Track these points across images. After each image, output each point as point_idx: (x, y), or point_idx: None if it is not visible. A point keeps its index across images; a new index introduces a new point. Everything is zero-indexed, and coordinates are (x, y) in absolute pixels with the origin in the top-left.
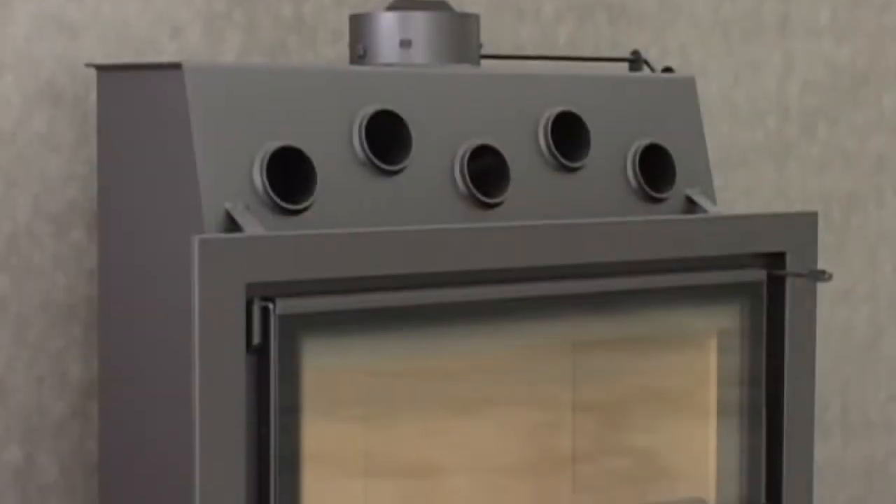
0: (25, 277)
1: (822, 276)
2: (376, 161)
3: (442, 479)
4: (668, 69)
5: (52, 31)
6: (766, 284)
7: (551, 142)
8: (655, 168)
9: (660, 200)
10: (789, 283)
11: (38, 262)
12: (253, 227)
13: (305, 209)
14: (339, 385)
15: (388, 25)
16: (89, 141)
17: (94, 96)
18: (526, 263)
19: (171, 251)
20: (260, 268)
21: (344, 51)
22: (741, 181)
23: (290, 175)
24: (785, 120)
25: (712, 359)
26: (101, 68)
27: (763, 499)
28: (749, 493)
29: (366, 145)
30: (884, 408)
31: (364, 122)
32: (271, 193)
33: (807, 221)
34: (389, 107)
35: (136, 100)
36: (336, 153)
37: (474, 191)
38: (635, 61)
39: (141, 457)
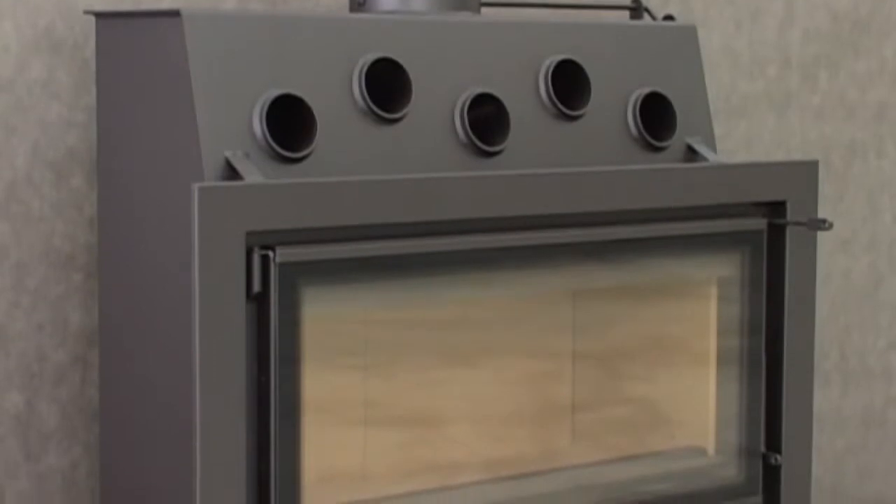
0: (25, 225)
1: (823, 224)
2: (376, 109)
3: (441, 428)
4: (669, 17)
5: None
6: (766, 233)
7: (552, 90)
8: (656, 116)
9: (660, 149)
10: (789, 232)
11: (38, 209)
12: (253, 175)
13: (305, 157)
14: (338, 333)
15: None
16: (88, 88)
17: (92, 43)
18: (526, 212)
19: (170, 199)
20: (260, 216)
21: None
22: (742, 130)
23: (289, 123)
24: (786, 69)
25: (712, 307)
26: (99, 15)
27: (762, 447)
28: (748, 442)
29: (366, 93)
30: (883, 356)
31: (364, 70)
32: (271, 141)
33: (807, 170)
34: (389, 55)
35: (134, 47)
36: (336, 101)
37: (474, 139)
38: (636, 9)
39: (142, 405)
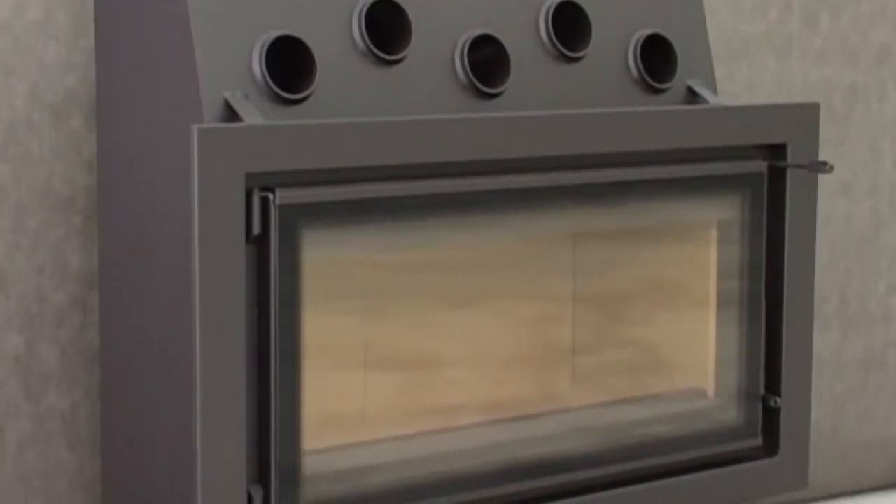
0: (24, 167)
1: (823, 167)
2: (376, 51)
3: (441, 371)
4: None
5: None
6: (766, 176)
7: (552, 31)
8: (657, 58)
9: (661, 91)
10: (790, 175)
11: (37, 151)
12: (252, 116)
13: (305, 99)
14: (338, 276)
15: None
16: (87, 30)
17: None
18: (526, 154)
19: (170, 141)
20: (259, 157)
21: None
22: (743, 73)
23: (289, 65)
24: (787, 11)
25: (712, 250)
26: None
27: (762, 389)
28: (748, 385)
29: (365, 35)
30: (883, 300)
31: (364, 12)
32: (270, 83)
33: (808, 113)
34: None
35: None
36: (335, 43)
37: (474, 81)
38: None
39: (142, 347)
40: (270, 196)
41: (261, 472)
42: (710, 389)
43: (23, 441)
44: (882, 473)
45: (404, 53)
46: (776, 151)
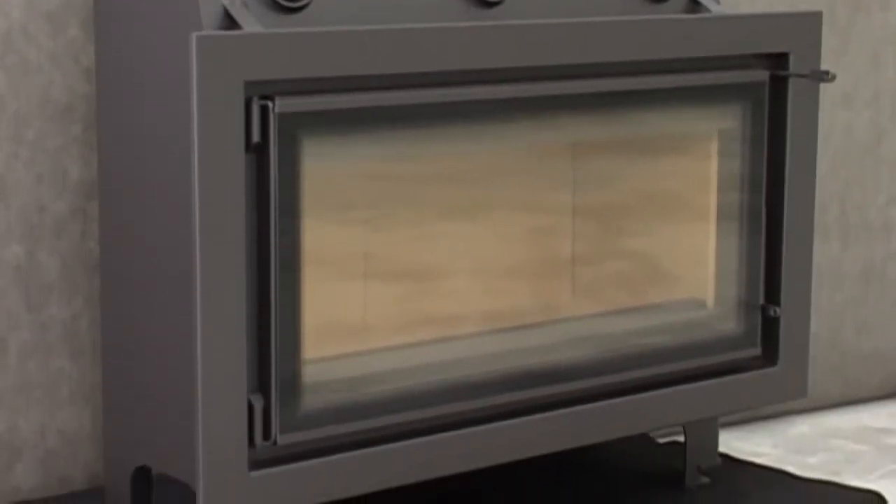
0: (22, 76)
1: (825, 76)
2: None
3: (441, 281)
4: None
5: None
6: (768, 85)
7: None
8: None
9: (662, 0)
10: (792, 84)
11: (35, 60)
12: (251, 24)
13: (304, 7)
14: (338, 186)
15: None
16: None
17: None
18: (526, 63)
19: (168, 49)
20: (258, 66)
21: None
22: None
23: None
24: None
25: (713, 161)
26: None
27: (761, 299)
28: (748, 295)
29: None
30: (883, 210)
31: None
32: None
33: (810, 21)
34: None
35: None
36: None
37: None
38: None
39: (142, 256)
40: (270, 104)
41: (261, 381)
42: (710, 300)
43: (24, 351)
44: (879, 383)
45: None
46: (778, 61)
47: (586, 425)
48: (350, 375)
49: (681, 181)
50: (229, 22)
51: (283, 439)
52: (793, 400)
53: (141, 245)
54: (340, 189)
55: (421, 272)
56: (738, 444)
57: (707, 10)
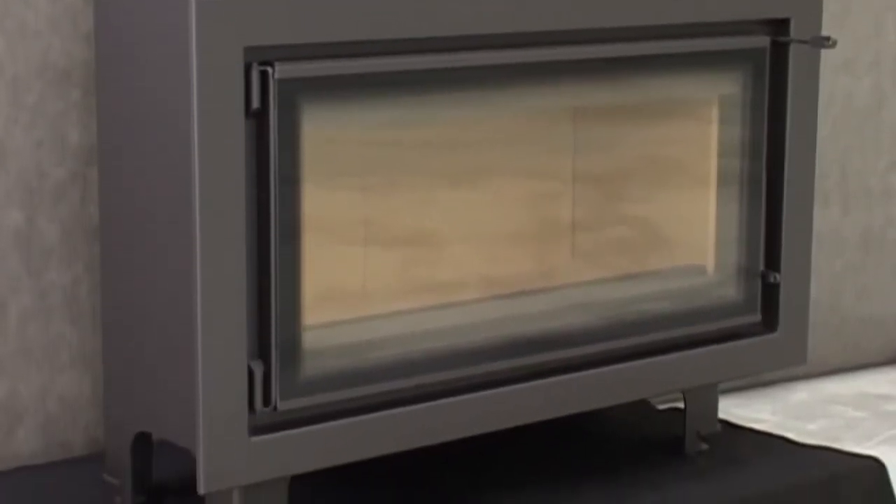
0: (20, 40)
1: (826, 42)
2: None
3: (441, 247)
4: None
5: None
6: (769, 51)
7: None
8: None
9: None
10: (792, 50)
11: (33, 24)
12: None
13: None
14: (338, 152)
15: None
16: None
17: None
18: (527, 29)
19: (167, 13)
20: (258, 31)
21: None
22: None
23: None
24: None
25: (713, 127)
26: None
27: (761, 266)
28: (748, 261)
29: None
30: (883, 176)
31: None
32: None
33: None
34: None
35: None
36: None
37: None
38: None
39: (142, 222)
40: (269, 70)
41: (261, 347)
42: (710, 266)
43: (24, 315)
44: (879, 350)
45: None
46: (779, 27)
47: (586, 391)
48: (350, 341)
49: (681, 147)
50: None
51: (283, 405)
52: (792, 366)
53: (141, 211)
54: (340, 155)
55: (421, 238)
56: (738, 410)
57: None
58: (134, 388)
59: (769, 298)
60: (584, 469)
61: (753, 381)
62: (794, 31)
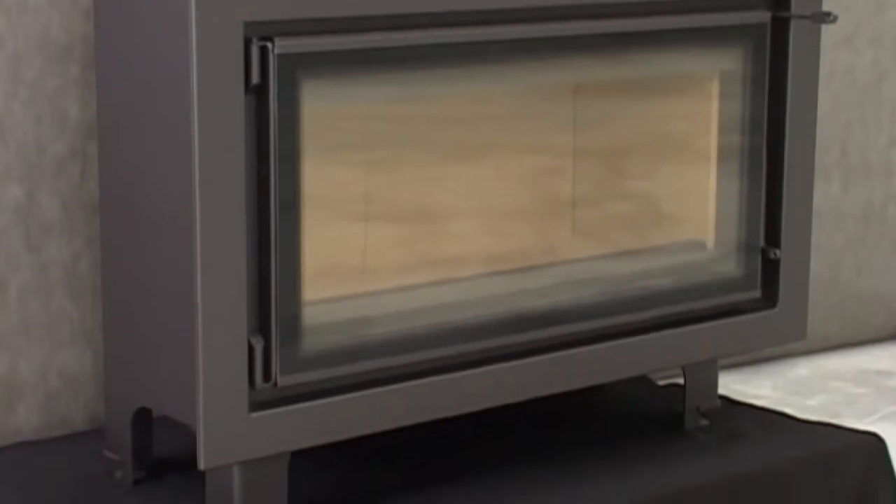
0: (20, 15)
1: (827, 17)
2: None
3: (442, 223)
4: None
5: None
6: (769, 26)
7: None
8: None
9: None
10: (793, 26)
11: (33, 0)
12: None
13: None
14: (338, 127)
15: None
16: None
17: None
18: (528, 4)
19: None
20: (258, 5)
21: None
22: None
23: None
24: None
25: (714, 102)
26: None
27: (761, 242)
28: (748, 237)
29: None
30: (884, 152)
31: None
32: None
33: None
34: None
35: None
36: None
37: None
38: None
39: (141, 197)
40: (269, 45)
41: (261, 322)
42: (710, 241)
43: (24, 291)
44: (879, 325)
45: None
46: (779, 2)
47: (586, 367)
48: (350, 317)
49: (682, 123)
50: None
51: (283, 380)
52: (792, 342)
53: (141, 186)
54: (340, 130)
55: (421, 214)
56: (738, 386)
57: None
58: (134, 363)
59: (769, 274)
60: (585, 444)
61: (753, 356)
62: (794, 7)
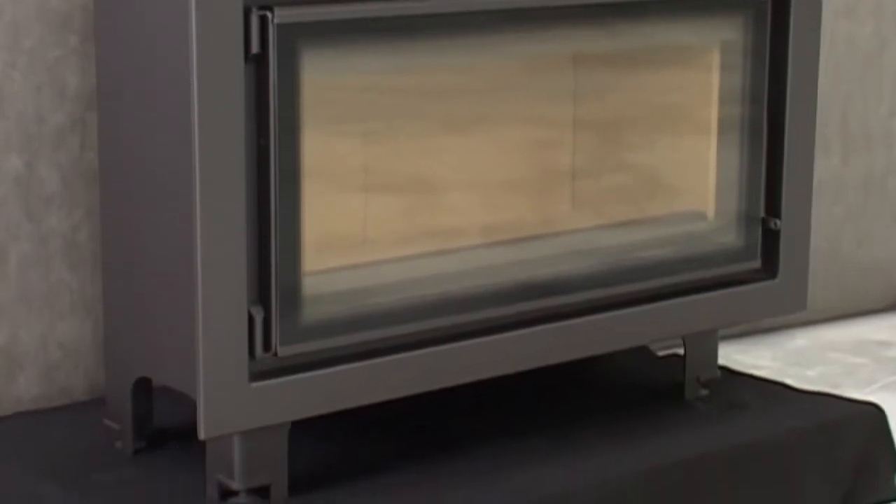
0: None
1: None
2: None
3: (441, 195)
4: None
5: None
6: None
7: None
8: None
9: None
10: None
11: None
12: None
13: None
14: (338, 97)
15: None
16: None
17: None
18: None
19: None
20: None
21: None
22: None
23: None
24: None
25: (714, 73)
26: None
27: (762, 212)
28: (748, 207)
29: None
30: (884, 122)
31: None
32: None
33: None
34: None
35: None
36: None
37: None
38: None
39: (141, 168)
40: (269, 14)
41: (261, 292)
42: (711, 212)
43: (24, 261)
44: (879, 296)
45: None
46: None
47: (586, 338)
48: (350, 287)
49: (682, 93)
50: None
51: (283, 351)
52: (792, 313)
53: (140, 156)
54: (340, 101)
55: (421, 185)
56: (738, 356)
57: None
58: (134, 333)
59: (769, 245)
60: (584, 415)
61: (753, 327)
62: None
